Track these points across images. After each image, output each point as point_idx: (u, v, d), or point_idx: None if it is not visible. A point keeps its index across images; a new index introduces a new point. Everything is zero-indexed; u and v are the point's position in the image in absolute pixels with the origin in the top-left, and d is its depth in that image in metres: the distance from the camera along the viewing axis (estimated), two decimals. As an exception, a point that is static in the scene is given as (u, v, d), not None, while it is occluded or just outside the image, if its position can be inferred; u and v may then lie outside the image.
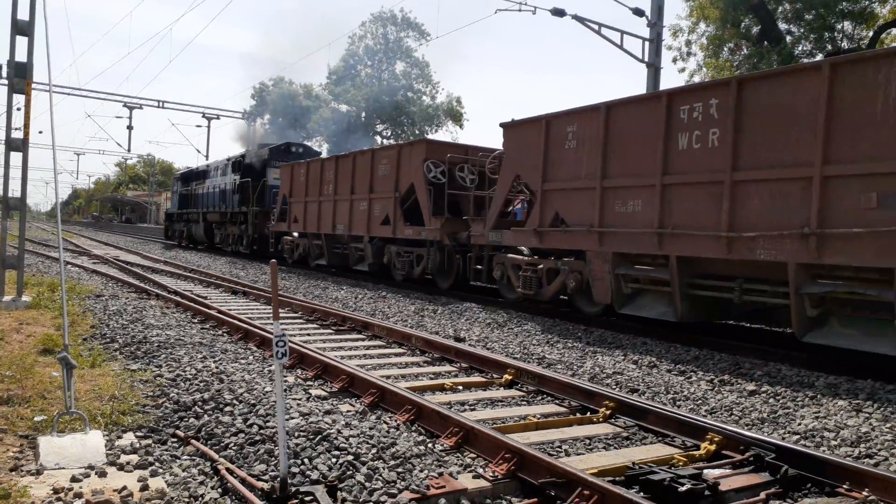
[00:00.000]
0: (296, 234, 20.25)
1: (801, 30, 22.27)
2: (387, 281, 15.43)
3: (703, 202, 8.34)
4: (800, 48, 22.12)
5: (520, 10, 18.56)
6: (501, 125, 11.89)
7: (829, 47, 21.80)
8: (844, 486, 3.94)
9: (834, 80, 7.10)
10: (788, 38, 21.66)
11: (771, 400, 6.17)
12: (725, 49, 23.27)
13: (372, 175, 15.87)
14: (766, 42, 21.89)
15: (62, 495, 3.38)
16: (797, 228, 7.29)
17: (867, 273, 6.92)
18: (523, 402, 5.89)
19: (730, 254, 8.00)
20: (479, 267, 12.57)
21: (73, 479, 3.57)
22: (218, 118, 46.78)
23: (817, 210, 7.13)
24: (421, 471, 3.85)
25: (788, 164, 7.48)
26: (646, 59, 18.18)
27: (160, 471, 3.79)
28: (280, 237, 21.29)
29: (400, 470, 3.82)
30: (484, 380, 6.58)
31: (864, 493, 3.85)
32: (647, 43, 18.21)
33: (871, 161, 6.75)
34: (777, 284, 7.71)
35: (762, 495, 3.87)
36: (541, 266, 10.99)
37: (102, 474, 3.68)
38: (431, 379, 6.57)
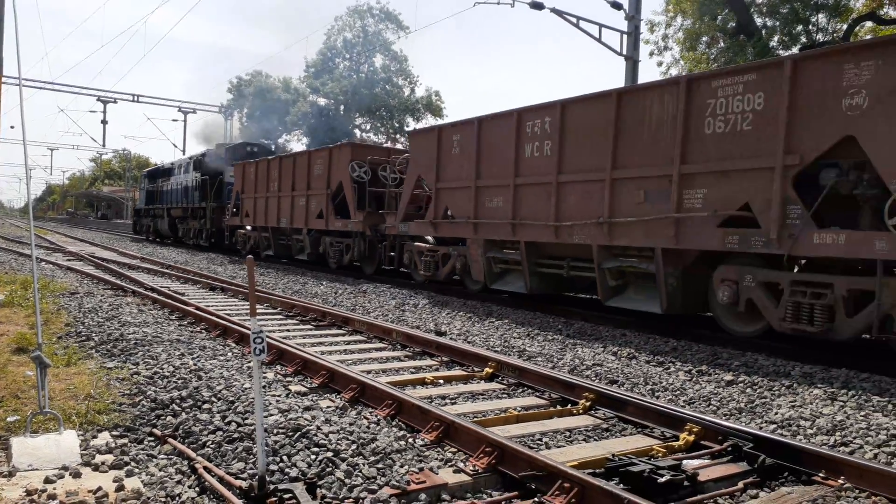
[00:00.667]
0: (248, 227, 21.89)
1: (777, 23, 22.46)
2: (322, 267, 17.46)
3: (541, 199, 10.44)
4: (776, 39, 22.30)
5: (498, 3, 18.53)
6: (407, 133, 13.67)
7: (804, 40, 22.03)
8: (820, 475, 3.99)
9: (620, 106, 9.21)
10: (764, 32, 21.81)
11: (748, 390, 6.24)
12: (702, 42, 23.41)
13: (309, 174, 17.79)
14: (742, 35, 22.05)
15: (35, 497, 3.32)
16: (597, 218, 9.43)
17: (641, 251, 9.08)
18: (504, 395, 5.89)
19: (557, 239, 10.18)
20: (393, 254, 14.80)
21: (47, 481, 3.51)
22: (194, 112, 46.35)
23: (608, 204, 9.27)
24: (401, 466, 3.84)
25: (593, 170, 9.58)
26: (624, 52, 18.24)
27: (136, 470, 3.74)
28: (234, 230, 23.23)
29: (380, 466, 3.81)
30: (465, 373, 6.58)
31: (840, 481, 3.90)
32: (624, 36, 18.26)
33: (640, 167, 8.91)
34: (588, 262, 9.86)
35: (740, 484, 3.91)
36: (437, 252, 13.16)
37: (77, 475, 3.62)
38: (412, 373, 6.56)
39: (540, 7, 18.22)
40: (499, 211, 11.28)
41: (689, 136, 8.33)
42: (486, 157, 11.59)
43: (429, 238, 13.49)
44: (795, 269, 7.78)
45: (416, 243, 13.77)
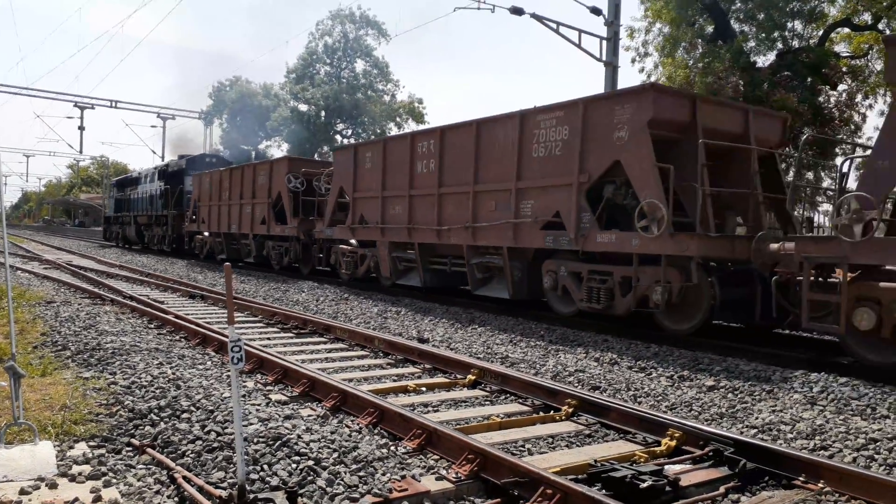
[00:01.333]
0: (206, 233, 23.60)
1: (754, 29, 22.73)
2: (266, 269, 19.22)
3: (428, 207, 12.58)
4: (750, 44, 22.54)
5: (478, 9, 18.58)
6: (332, 149, 15.38)
7: (780, 45, 22.31)
8: (801, 479, 4.02)
9: (479, 133, 11.44)
10: (740, 38, 22.06)
11: (729, 395, 6.28)
12: (681, 48, 23.63)
13: (254, 184, 19.71)
14: (720, 41, 22.29)
15: (10, 510, 3.25)
16: (465, 223, 11.61)
17: (497, 249, 11.18)
18: (487, 402, 5.88)
19: (440, 240, 12.34)
20: (321, 255, 16.78)
21: (22, 492, 3.44)
22: (174, 118, 46.01)
23: (472, 212, 11.48)
24: (383, 474, 3.81)
25: (462, 184, 11.75)
26: (603, 58, 18.37)
27: (114, 481, 3.67)
28: (193, 236, 24.95)
29: (362, 474, 3.78)
30: (447, 380, 6.56)
31: (820, 485, 3.93)
32: (604, 42, 18.39)
33: (493, 183, 11.15)
34: (462, 259, 12.05)
35: (721, 489, 3.93)
36: (357, 253, 15.09)
37: (53, 486, 3.56)
38: (395, 381, 6.53)
39: (520, 13, 18.31)
40: (399, 217, 13.40)
41: (522, 158, 10.52)
42: (390, 171, 13.72)
43: (352, 241, 15.35)
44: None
45: (341, 246, 15.77)
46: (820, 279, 7.43)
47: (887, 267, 7.00)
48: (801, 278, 7.40)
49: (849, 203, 6.99)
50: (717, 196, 9.18)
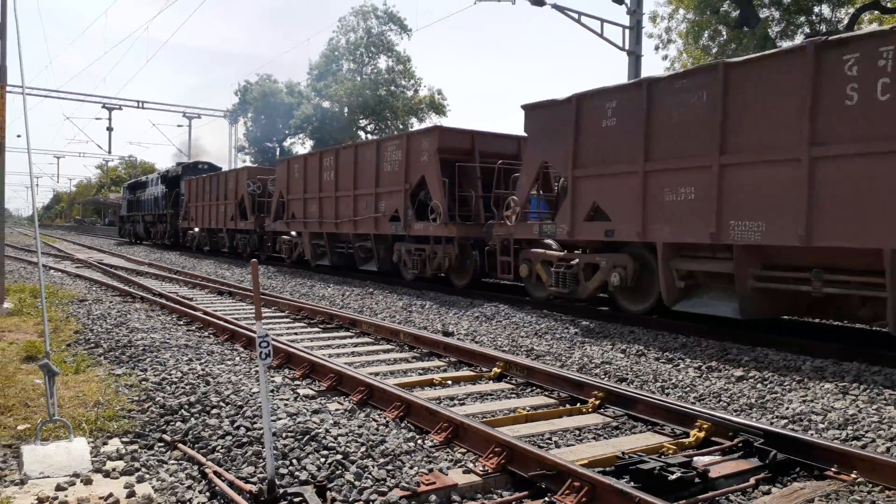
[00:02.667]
0: (196, 229, 28.08)
1: (779, 13, 22.32)
2: (236, 258, 23.18)
3: (330, 206, 17.04)
4: (776, 30, 22.13)
5: (499, 0, 18.50)
6: (278, 160, 19.90)
7: (808, 30, 21.89)
8: (833, 469, 3.96)
9: (356, 152, 16.09)
10: (766, 22, 21.67)
11: (759, 385, 6.20)
12: (705, 35, 23.29)
13: (226, 188, 24.39)
14: (745, 27, 21.93)
15: (47, 505, 3.33)
16: (350, 217, 16.05)
17: (367, 236, 15.87)
18: (513, 395, 5.88)
19: (338, 230, 16.88)
20: (270, 244, 21.57)
21: (58, 488, 3.52)
22: (199, 117, 46.51)
23: (353, 209, 15.97)
24: (411, 468, 3.83)
25: (348, 189, 16.24)
26: (626, 47, 18.18)
27: (147, 476, 3.74)
28: (185, 231, 29.72)
29: (389, 468, 3.80)
30: (473, 374, 6.57)
31: (853, 476, 3.87)
32: (627, 31, 18.20)
33: (364, 188, 15.57)
34: (359, 240, 16.34)
35: (752, 480, 3.89)
36: (293, 241, 19.66)
37: (88, 482, 3.63)
38: (420, 375, 6.55)
39: (541, 3, 18.18)
40: (315, 213, 17.80)
41: (379, 172, 14.94)
42: (309, 179, 18.15)
43: (292, 233, 19.50)
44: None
45: (283, 237, 20.13)
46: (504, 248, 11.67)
47: (528, 238, 11.06)
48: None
49: (510, 202, 11.48)
50: (497, 196, 12.57)
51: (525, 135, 11.58)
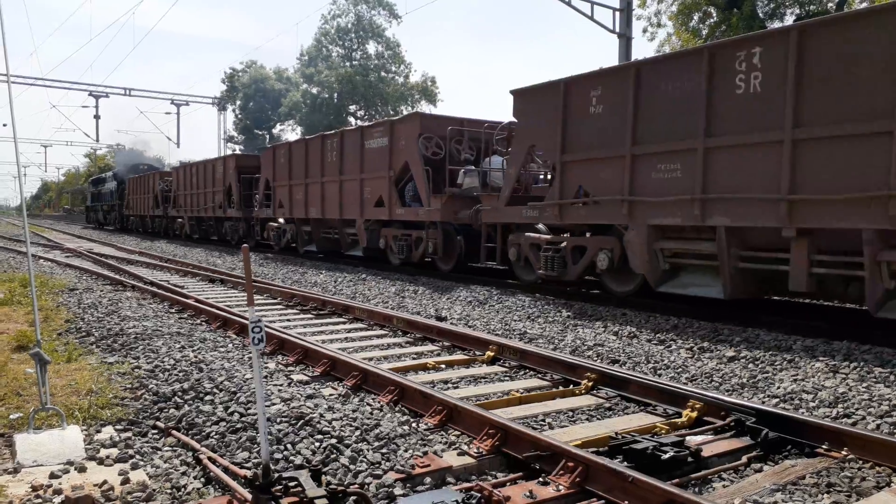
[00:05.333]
0: (133, 216, 37.07)
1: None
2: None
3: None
4: (765, 9, 22.06)
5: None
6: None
7: (798, 11, 21.85)
8: (824, 447, 4.00)
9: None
10: (758, 3, 21.61)
11: (750, 365, 6.24)
12: (695, 16, 23.22)
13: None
14: (735, 8, 21.87)
15: (41, 492, 3.32)
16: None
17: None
18: (506, 378, 5.90)
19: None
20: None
21: (52, 476, 3.51)
22: (187, 104, 46.15)
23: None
24: (405, 451, 3.84)
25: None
26: (617, 29, 18.12)
27: (141, 463, 3.73)
28: (128, 217, 38.34)
29: (384, 451, 3.81)
30: (466, 357, 6.58)
31: (844, 453, 3.91)
32: (617, 13, 18.13)
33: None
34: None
35: (744, 459, 3.92)
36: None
37: (82, 469, 3.62)
38: (414, 359, 6.56)
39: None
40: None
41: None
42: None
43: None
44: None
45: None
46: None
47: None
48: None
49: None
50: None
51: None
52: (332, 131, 17.29)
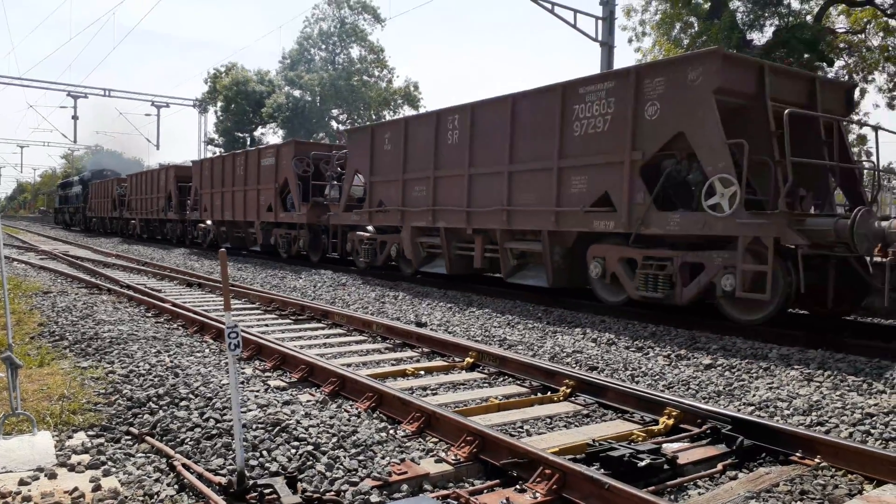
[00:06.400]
0: (94, 217, 40.14)
1: (750, 4, 22.53)
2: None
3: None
4: (744, 20, 22.32)
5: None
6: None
7: (778, 21, 22.13)
8: (798, 454, 4.04)
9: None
10: (738, 15, 21.86)
11: (726, 373, 6.30)
12: (677, 26, 23.46)
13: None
14: (716, 19, 22.12)
15: (10, 499, 3.26)
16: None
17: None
18: (485, 385, 5.90)
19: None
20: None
21: (22, 483, 3.45)
22: (168, 106, 45.78)
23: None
24: (383, 458, 3.82)
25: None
26: (599, 38, 18.26)
27: (113, 470, 3.68)
28: (90, 219, 41.68)
29: (361, 458, 3.79)
30: (446, 364, 6.58)
31: (816, 460, 3.95)
32: (600, 22, 18.27)
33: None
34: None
35: (719, 466, 3.95)
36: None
37: (52, 476, 3.56)
38: (393, 365, 6.54)
39: (514, -6, 18.14)
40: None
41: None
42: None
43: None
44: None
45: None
46: None
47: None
48: None
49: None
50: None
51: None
52: (241, 151, 21.41)
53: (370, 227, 14.49)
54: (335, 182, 15.94)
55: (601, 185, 9.16)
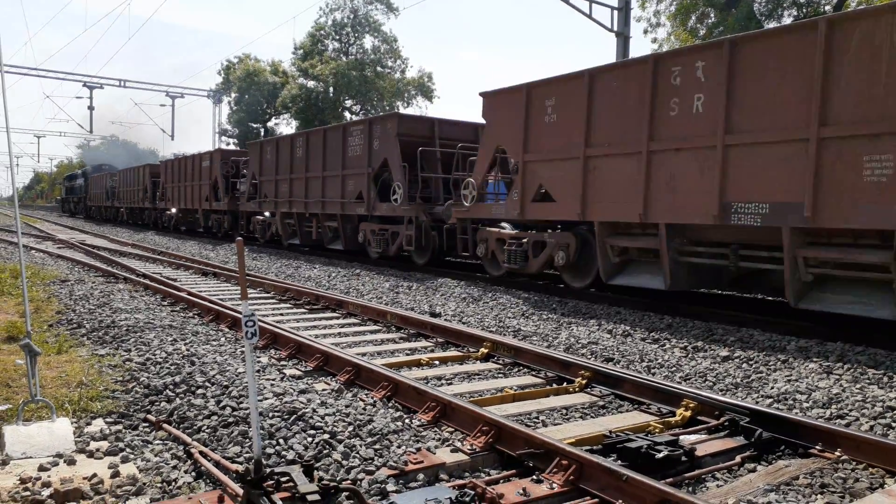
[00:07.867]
0: (93, 206, 45.81)
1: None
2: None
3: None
4: (762, 9, 22.05)
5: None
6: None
7: (796, 12, 21.86)
8: (817, 447, 4.00)
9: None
10: (755, 5, 21.62)
11: (744, 365, 6.24)
12: (693, 17, 23.22)
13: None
14: (733, 9, 21.87)
15: (30, 485, 3.28)
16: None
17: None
18: (500, 375, 5.88)
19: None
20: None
21: (41, 469, 3.47)
22: (182, 97, 45.88)
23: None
24: (398, 447, 3.82)
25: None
26: (615, 28, 18.09)
27: (131, 456, 3.70)
28: (91, 207, 47.31)
29: (377, 447, 3.79)
30: (460, 354, 6.56)
31: (837, 454, 3.91)
32: (615, 12, 18.10)
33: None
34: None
35: (737, 459, 3.92)
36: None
37: (72, 462, 3.58)
38: (408, 355, 6.54)
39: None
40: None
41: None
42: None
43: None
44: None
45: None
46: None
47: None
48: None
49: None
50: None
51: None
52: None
53: (267, 214, 19.24)
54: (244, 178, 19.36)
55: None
